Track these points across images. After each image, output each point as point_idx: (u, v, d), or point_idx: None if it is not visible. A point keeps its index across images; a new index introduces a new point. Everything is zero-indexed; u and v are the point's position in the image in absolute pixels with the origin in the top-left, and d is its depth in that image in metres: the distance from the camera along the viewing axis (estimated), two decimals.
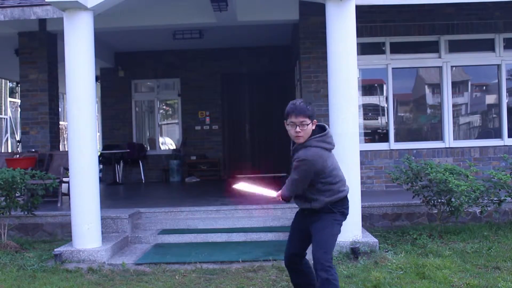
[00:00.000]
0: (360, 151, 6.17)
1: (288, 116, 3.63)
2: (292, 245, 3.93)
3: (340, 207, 3.74)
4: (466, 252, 5.57)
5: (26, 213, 6.56)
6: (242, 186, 3.98)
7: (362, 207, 6.00)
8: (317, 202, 3.69)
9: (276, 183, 4.52)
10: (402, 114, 9.30)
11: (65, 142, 16.62)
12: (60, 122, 11.84)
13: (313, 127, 3.66)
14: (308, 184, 3.65)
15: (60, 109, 10.66)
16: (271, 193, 3.93)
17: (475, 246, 5.75)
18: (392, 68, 8.79)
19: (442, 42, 8.78)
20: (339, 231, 3.78)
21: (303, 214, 3.88)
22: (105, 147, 12.69)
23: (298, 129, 3.59)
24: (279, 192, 3.87)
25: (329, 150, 3.70)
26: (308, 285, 3.94)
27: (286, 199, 3.80)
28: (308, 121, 3.59)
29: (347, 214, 3.83)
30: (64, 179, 8.05)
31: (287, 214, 7.20)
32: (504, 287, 4.47)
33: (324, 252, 3.61)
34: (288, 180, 3.73)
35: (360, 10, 6.64)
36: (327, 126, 3.76)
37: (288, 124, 3.65)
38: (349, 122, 5.87)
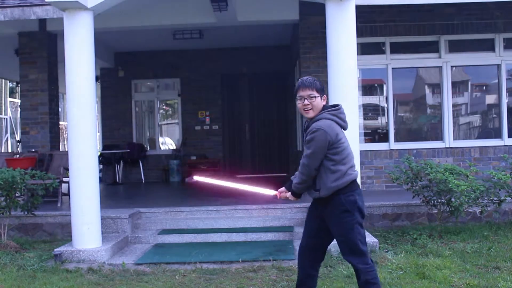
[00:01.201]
0: (360, 151, 6.17)
1: (297, 91, 3.67)
2: (304, 239, 3.87)
3: (351, 196, 3.57)
4: (466, 252, 5.57)
5: (26, 213, 6.56)
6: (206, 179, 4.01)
7: None
8: (324, 189, 3.57)
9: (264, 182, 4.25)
10: (402, 114, 9.30)
11: (65, 142, 16.62)
12: (60, 122, 11.84)
13: (324, 103, 3.67)
14: (320, 162, 3.55)
15: (60, 109, 10.66)
16: (269, 191, 3.88)
17: (475, 246, 5.75)
18: (392, 68, 8.79)
19: (442, 42, 8.78)
20: (361, 226, 3.61)
21: (316, 206, 3.79)
22: (105, 147, 12.69)
23: (306, 101, 3.61)
24: (282, 188, 3.82)
25: (342, 127, 3.67)
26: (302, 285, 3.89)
27: (298, 190, 3.67)
28: (316, 94, 3.61)
29: (360, 205, 3.61)
30: (64, 179, 8.05)
31: (287, 214, 7.20)
32: (504, 287, 4.47)
33: (357, 256, 3.58)
34: (300, 164, 3.62)
35: (360, 10, 6.64)
36: (340, 104, 3.75)
37: (297, 99, 3.68)
38: (349, 122, 5.85)
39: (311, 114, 3.64)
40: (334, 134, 3.54)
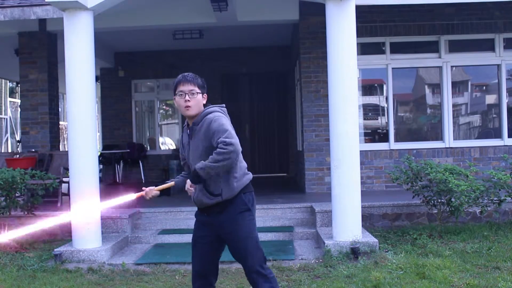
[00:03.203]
0: (360, 151, 6.17)
1: (177, 87, 3.36)
2: (197, 265, 3.46)
3: (249, 195, 3.37)
4: (466, 252, 5.57)
5: (26, 213, 6.56)
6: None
7: (362, 207, 6.00)
8: (228, 190, 3.27)
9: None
10: (402, 114, 9.30)
11: (65, 142, 16.61)
12: (60, 122, 11.84)
13: (204, 101, 3.38)
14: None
15: (60, 109, 10.66)
16: (131, 196, 3.65)
17: (475, 246, 5.75)
18: (392, 68, 8.78)
19: (442, 42, 8.78)
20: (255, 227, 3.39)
21: (205, 219, 3.47)
22: (105, 147, 12.69)
23: (187, 97, 3.29)
24: (151, 187, 3.55)
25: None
26: None
27: (207, 172, 3.17)
28: (198, 90, 3.32)
29: (254, 202, 3.42)
30: (64, 179, 8.05)
31: (287, 214, 7.20)
32: (504, 287, 4.47)
33: (260, 260, 3.36)
34: (222, 149, 3.19)
35: (360, 10, 6.64)
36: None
37: (176, 95, 3.36)
38: (349, 122, 5.87)
39: (191, 111, 3.30)
40: (231, 125, 3.28)
